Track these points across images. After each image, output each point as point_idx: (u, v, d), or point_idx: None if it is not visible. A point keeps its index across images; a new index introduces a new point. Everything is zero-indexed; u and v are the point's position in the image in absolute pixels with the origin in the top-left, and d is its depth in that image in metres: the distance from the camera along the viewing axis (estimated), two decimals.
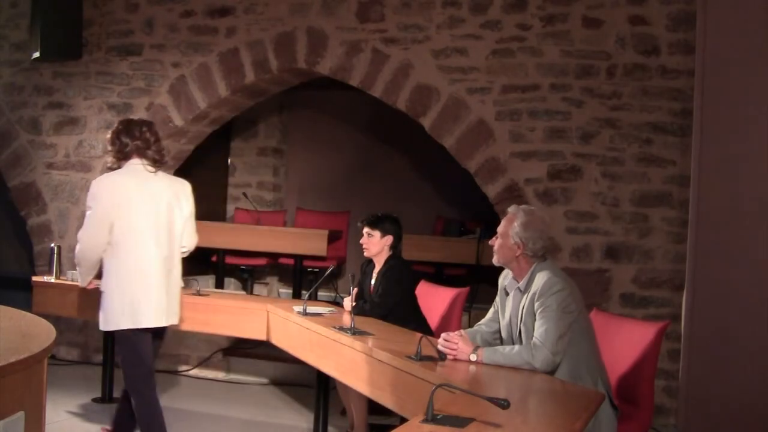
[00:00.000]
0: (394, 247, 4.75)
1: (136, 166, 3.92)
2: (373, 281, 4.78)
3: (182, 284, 4.16)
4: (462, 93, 5.98)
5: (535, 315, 3.44)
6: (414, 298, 4.74)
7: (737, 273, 5.00)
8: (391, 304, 4.61)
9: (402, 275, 4.70)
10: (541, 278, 3.50)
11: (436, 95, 6.03)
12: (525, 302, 3.53)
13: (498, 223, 3.71)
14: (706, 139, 5.11)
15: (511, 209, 3.68)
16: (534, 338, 3.39)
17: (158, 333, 4.07)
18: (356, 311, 4.53)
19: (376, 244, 4.72)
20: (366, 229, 4.73)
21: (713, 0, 5.14)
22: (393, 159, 8.25)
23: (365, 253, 4.78)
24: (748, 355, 4.94)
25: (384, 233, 4.71)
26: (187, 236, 4.14)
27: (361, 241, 4.77)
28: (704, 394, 5.01)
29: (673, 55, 5.55)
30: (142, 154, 3.93)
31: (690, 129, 5.32)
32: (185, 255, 4.20)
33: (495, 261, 3.68)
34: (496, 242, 3.65)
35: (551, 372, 3.37)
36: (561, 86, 5.77)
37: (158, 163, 3.99)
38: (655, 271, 5.57)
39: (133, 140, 3.92)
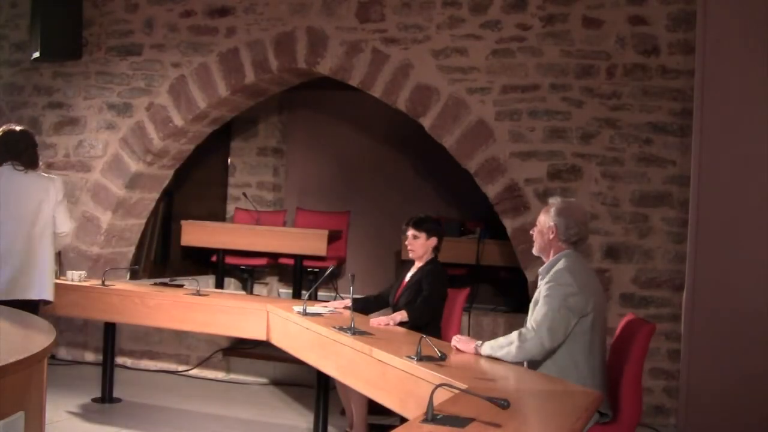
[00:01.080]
0: (437, 249, 4.73)
1: (7, 166, 4.62)
2: (406, 281, 4.71)
3: (54, 265, 4.80)
4: (462, 93, 5.98)
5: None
6: (443, 306, 4.66)
7: (737, 273, 5.01)
8: (436, 305, 4.55)
9: (444, 278, 4.65)
10: (559, 266, 3.52)
11: (436, 95, 6.03)
12: (540, 287, 3.55)
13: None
14: (706, 139, 5.11)
15: (551, 199, 3.77)
16: (527, 324, 3.43)
17: (27, 306, 4.30)
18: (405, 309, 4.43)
19: (421, 246, 4.67)
20: (411, 231, 4.67)
21: (713, 0, 5.14)
22: (393, 159, 8.25)
23: (411, 255, 4.71)
24: (747, 355, 4.94)
25: (429, 235, 4.67)
26: (59, 221, 4.69)
27: (406, 243, 4.72)
28: (704, 394, 5.01)
29: (673, 55, 5.55)
30: (14, 159, 4.62)
31: (690, 129, 5.33)
32: (64, 237, 4.85)
33: (534, 251, 3.74)
34: (534, 230, 3.73)
35: (539, 363, 3.40)
36: (561, 86, 5.77)
37: (30, 166, 4.66)
38: (655, 271, 5.57)
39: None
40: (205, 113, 6.83)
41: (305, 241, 7.13)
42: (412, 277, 4.70)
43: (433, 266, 4.67)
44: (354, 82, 6.30)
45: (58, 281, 5.63)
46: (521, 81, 5.85)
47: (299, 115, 8.66)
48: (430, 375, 3.08)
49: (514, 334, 3.41)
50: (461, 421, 2.35)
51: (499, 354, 3.40)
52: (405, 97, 6.13)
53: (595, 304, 3.48)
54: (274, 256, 7.55)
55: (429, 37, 6.08)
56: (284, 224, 7.89)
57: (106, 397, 5.58)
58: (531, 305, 3.58)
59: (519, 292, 6.38)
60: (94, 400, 5.59)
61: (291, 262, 7.39)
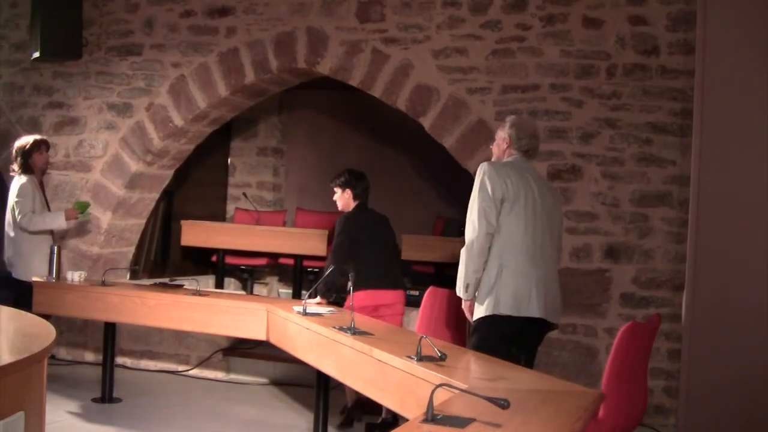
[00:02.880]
0: (359, 198, 5.16)
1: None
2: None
3: None
4: (462, 93, 5.98)
5: None
6: (363, 249, 5.00)
7: (737, 273, 5.01)
8: (342, 250, 4.95)
9: (352, 222, 5.06)
10: (482, 167, 4.01)
11: (436, 95, 6.03)
12: None
13: None
14: (706, 139, 5.11)
15: (507, 117, 4.30)
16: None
17: None
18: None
19: (340, 199, 5.19)
20: (334, 186, 5.22)
21: (713, 0, 5.14)
22: (393, 159, 8.25)
23: (339, 208, 5.23)
24: (747, 355, 4.94)
25: (343, 187, 5.16)
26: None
27: (335, 198, 5.22)
28: (704, 394, 5.01)
29: (673, 55, 5.56)
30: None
31: (690, 129, 5.33)
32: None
33: (493, 159, 4.20)
34: (493, 144, 4.24)
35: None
36: (561, 86, 5.77)
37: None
38: (655, 271, 5.57)
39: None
40: (205, 113, 6.83)
41: (305, 241, 7.14)
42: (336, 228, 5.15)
43: (343, 216, 5.12)
44: (354, 82, 6.30)
45: (58, 281, 5.66)
46: (521, 81, 5.86)
47: (299, 115, 8.66)
48: (430, 375, 3.07)
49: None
50: (461, 421, 2.35)
51: (465, 280, 3.95)
52: (405, 97, 6.13)
53: (514, 194, 3.93)
54: (274, 256, 7.55)
55: (429, 37, 6.08)
56: (284, 224, 7.90)
57: (106, 397, 5.58)
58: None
59: None
60: (94, 400, 5.59)
61: (291, 262, 7.40)
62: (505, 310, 3.88)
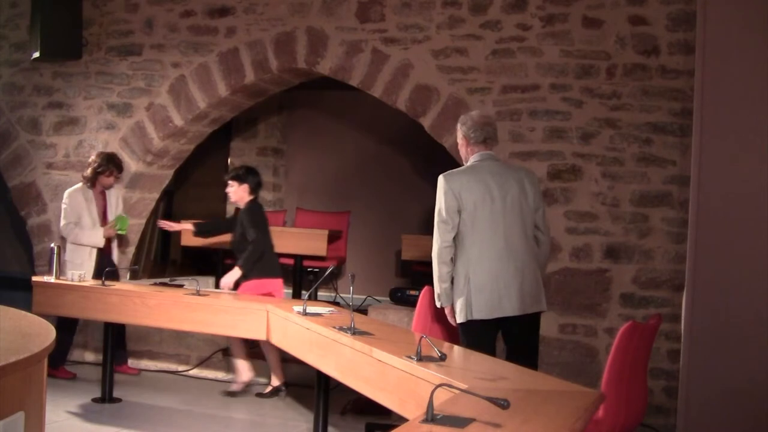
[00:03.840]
0: (254, 192, 5.75)
1: None
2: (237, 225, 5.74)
3: None
4: (462, 93, 5.98)
5: None
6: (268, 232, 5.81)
7: (737, 273, 5.01)
8: (261, 244, 5.62)
9: (260, 211, 5.72)
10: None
11: (436, 95, 6.03)
12: None
13: None
14: (706, 139, 5.11)
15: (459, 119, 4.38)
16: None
17: None
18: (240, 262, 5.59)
19: (235, 193, 5.72)
20: (229, 180, 5.74)
21: (713, 0, 5.14)
22: (393, 159, 8.25)
23: (233, 202, 5.84)
24: (747, 355, 4.94)
25: (240, 182, 5.69)
26: None
27: (227, 190, 5.76)
28: (704, 394, 5.01)
29: (673, 55, 5.55)
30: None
31: (690, 129, 5.33)
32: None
33: (464, 164, 4.31)
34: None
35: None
36: (561, 86, 5.77)
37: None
38: (655, 271, 5.57)
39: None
40: (205, 113, 6.83)
41: (305, 241, 7.13)
42: (238, 218, 5.77)
43: (249, 207, 5.70)
44: (354, 82, 6.30)
45: (58, 281, 5.66)
46: (521, 81, 5.86)
47: (299, 115, 8.67)
48: (430, 375, 3.08)
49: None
50: (461, 421, 2.35)
51: (438, 290, 4.16)
52: (405, 97, 6.13)
53: (471, 202, 4.05)
54: None
55: (429, 37, 6.08)
56: (284, 224, 7.89)
57: (106, 397, 5.58)
58: None
59: None
60: (94, 400, 5.59)
61: (291, 262, 7.39)
62: (478, 314, 4.03)
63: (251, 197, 5.75)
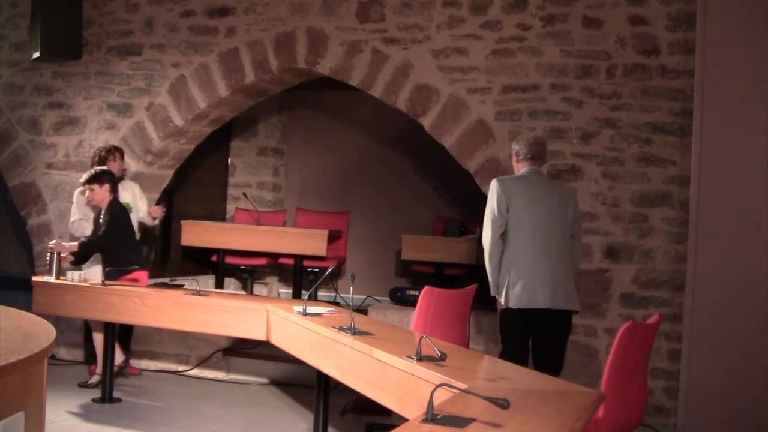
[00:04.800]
0: (113, 191, 5.89)
1: None
2: (101, 221, 5.88)
3: None
4: (462, 93, 5.98)
5: None
6: (132, 234, 6.09)
7: (737, 273, 5.01)
8: (107, 239, 5.79)
9: (120, 210, 5.91)
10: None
11: (436, 95, 6.04)
12: None
13: None
14: (706, 139, 5.11)
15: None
16: None
17: None
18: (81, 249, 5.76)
19: (98, 194, 5.81)
20: (87, 187, 5.82)
21: (713, 0, 5.14)
22: (393, 159, 8.25)
23: (95, 203, 5.90)
24: (747, 355, 4.94)
25: (101, 183, 5.80)
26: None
27: (87, 196, 5.89)
28: (704, 394, 5.01)
29: (673, 55, 5.55)
30: None
31: (690, 129, 5.33)
32: None
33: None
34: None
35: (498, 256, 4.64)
36: (561, 86, 5.77)
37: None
38: (655, 271, 5.57)
39: None
40: (205, 113, 6.83)
41: (305, 241, 7.13)
42: (102, 218, 5.88)
43: (111, 207, 5.85)
44: (354, 82, 6.31)
45: (58, 281, 5.66)
46: (521, 81, 5.86)
47: (299, 115, 8.66)
48: (430, 375, 3.07)
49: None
50: (461, 421, 2.35)
51: (491, 278, 4.65)
52: (405, 97, 6.13)
53: (516, 205, 4.58)
54: (274, 256, 7.55)
55: (429, 37, 6.08)
56: (284, 224, 7.89)
57: (106, 397, 5.57)
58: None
59: None
60: (94, 400, 5.59)
61: (291, 262, 7.39)
62: (514, 304, 4.56)
63: (111, 197, 5.87)
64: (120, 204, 5.96)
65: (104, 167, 5.97)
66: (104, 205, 5.87)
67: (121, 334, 6.07)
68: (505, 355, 4.51)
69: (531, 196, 4.61)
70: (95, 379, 5.95)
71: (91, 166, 6.12)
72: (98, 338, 5.95)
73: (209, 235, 7.38)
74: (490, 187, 4.67)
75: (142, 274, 5.79)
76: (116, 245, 5.85)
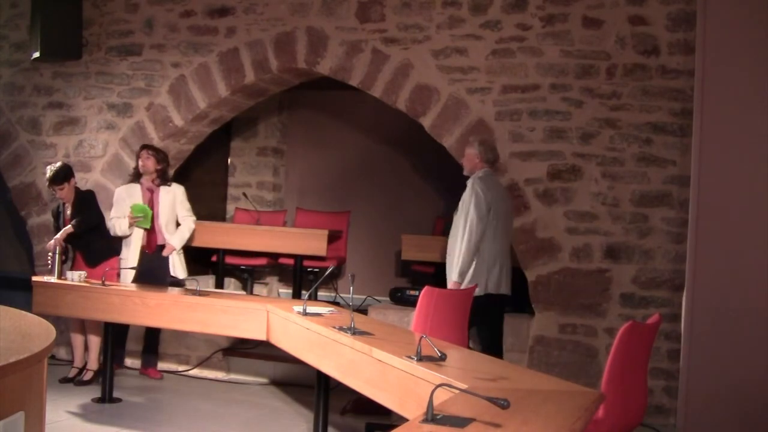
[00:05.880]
0: (77, 184, 6.13)
1: None
2: (68, 214, 6.02)
3: None
4: (462, 93, 5.99)
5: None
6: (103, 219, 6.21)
7: (737, 273, 5.01)
8: (96, 219, 6.04)
9: (92, 198, 6.14)
10: (474, 177, 5.25)
11: (436, 95, 6.04)
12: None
13: None
14: (706, 139, 5.11)
15: (471, 139, 5.48)
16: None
17: None
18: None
19: (68, 192, 5.98)
20: (56, 187, 5.95)
21: (713, 0, 5.14)
22: (393, 159, 8.25)
23: (65, 201, 6.05)
24: (747, 355, 4.94)
25: (68, 180, 5.96)
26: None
27: (58, 196, 6.05)
28: (704, 394, 5.01)
29: (673, 55, 5.56)
30: None
31: (690, 129, 5.33)
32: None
33: (465, 172, 5.38)
34: (464, 161, 5.40)
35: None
36: (561, 86, 5.77)
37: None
38: (655, 271, 5.57)
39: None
40: (205, 113, 6.83)
41: (305, 241, 7.13)
42: (73, 208, 6.03)
43: (83, 194, 6.09)
44: (354, 82, 6.31)
45: (58, 281, 5.67)
46: (521, 81, 5.86)
47: (299, 115, 8.66)
48: (430, 375, 3.08)
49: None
50: (461, 421, 2.35)
51: (464, 268, 5.13)
52: (405, 97, 6.13)
53: (494, 205, 5.18)
54: (274, 256, 7.55)
55: (429, 37, 6.08)
56: (284, 224, 7.89)
57: (106, 397, 5.58)
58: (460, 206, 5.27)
59: (519, 292, 6.38)
60: (94, 400, 5.59)
61: (291, 262, 7.39)
62: (493, 290, 5.22)
63: (77, 189, 6.11)
64: (89, 190, 6.27)
65: (60, 163, 6.12)
66: (71, 198, 6.03)
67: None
68: (482, 332, 5.36)
69: (501, 196, 5.30)
70: (77, 373, 6.11)
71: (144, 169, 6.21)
72: (76, 339, 6.16)
73: (209, 235, 7.37)
74: (474, 187, 5.16)
75: (116, 261, 6.09)
76: (96, 229, 6.07)
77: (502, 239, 5.27)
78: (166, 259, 6.18)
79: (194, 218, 6.37)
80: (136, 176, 6.22)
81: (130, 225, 6.08)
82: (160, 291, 5.51)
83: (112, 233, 6.16)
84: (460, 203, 5.29)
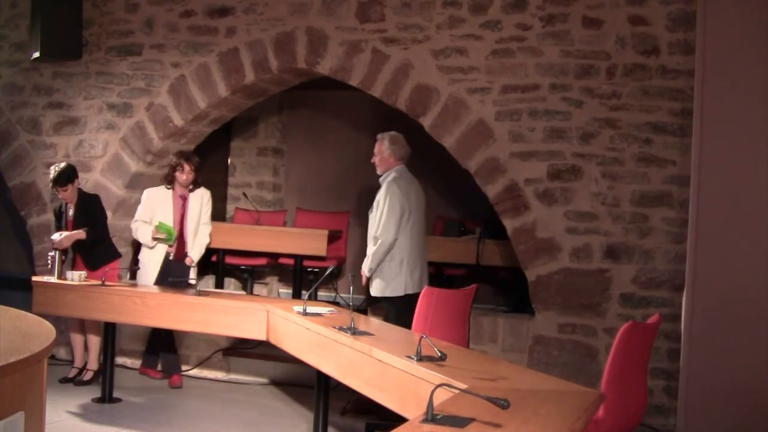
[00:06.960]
0: (80, 185, 6.14)
1: None
2: (71, 215, 6.03)
3: None
4: (462, 93, 5.98)
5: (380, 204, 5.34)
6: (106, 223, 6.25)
7: (737, 273, 5.01)
8: (104, 221, 6.15)
9: (97, 201, 6.20)
10: (389, 177, 5.42)
11: (436, 95, 6.04)
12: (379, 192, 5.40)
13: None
14: (706, 139, 5.11)
15: (379, 136, 5.57)
16: (378, 231, 5.33)
17: None
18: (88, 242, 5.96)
19: (71, 193, 5.98)
20: (60, 188, 5.94)
21: (713, 0, 5.14)
22: None
23: (68, 202, 6.05)
24: (747, 355, 4.94)
25: (72, 182, 5.96)
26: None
27: (61, 197, 6.04)
28: (704, 394, 5.01)
29: (673, 55, 5.55)
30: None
31: (690, 129, 5.33)
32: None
33: (379, 171, 5.49)
34: (376, 159, 5.51)
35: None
36: (561, 86, 5.77)
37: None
38: (655, 271, 5.57)
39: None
40: (205, 113, 6.83)
41: (305, 241, 7.13)
42: (76, 209, 6.03)
43: (86, 198, 6.11)
44: (354, 82, 6.31)
45: (58, 281, 5.67)
46: (521, 81, 5.86)
47: (299, 115, 8.66)
48: (430, 375, 3.08)
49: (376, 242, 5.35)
50: (461, 421, 2.35)
51: (373, 265, 5.34)
52: (405, 97, 6.13)
53: (408, 205, 5.34)
54: (274, 256, 7.54)
55: (429, 37, 6.08)
56: (284, 224, 7.89)
57: (106, 397, 5.58)
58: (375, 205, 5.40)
59: (519, 292, 6.38)
60: (94, 400, 5.60)
61: (291, 262, 7.39)
62: (414, 290, 5.24)
63: (79, 189, 6.13)
64: (86, 193, 6.22)
65: (65, 164, 6.06)
66: (74, 198, 6.04)
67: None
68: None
69: (417, 195, 5.47)
70: (77, 373, 6.13)
71: (168, 167, 6.17)
72: (76, 339, 6.19)
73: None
74: (391, 189, 5.34)
75: (116, 263, 6.17)
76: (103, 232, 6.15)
77: (418, 238, 5.45)
78: (188, 266, 6.17)
79: (211, 227, 6.32)
80: (169, 181, 6.12)
81: (153, 239, 6.02)
82: (161, 291, 5.51)
83: (133, 236, 6.18)
84: (375, 203, 5.44)
